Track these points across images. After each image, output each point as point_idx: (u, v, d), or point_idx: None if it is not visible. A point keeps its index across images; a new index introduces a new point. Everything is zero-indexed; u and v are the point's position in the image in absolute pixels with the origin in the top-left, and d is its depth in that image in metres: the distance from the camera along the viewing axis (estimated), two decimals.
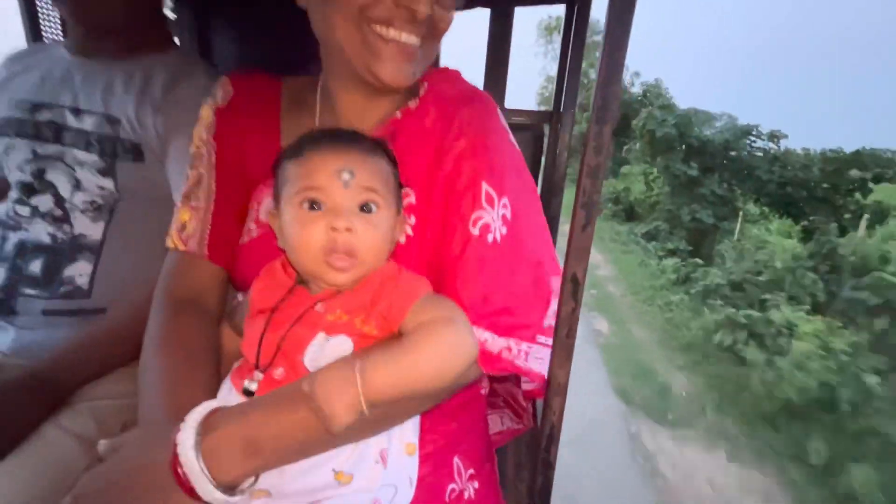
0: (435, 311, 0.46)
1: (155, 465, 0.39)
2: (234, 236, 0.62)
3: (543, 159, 1.05)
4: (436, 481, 0.56)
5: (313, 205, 0.47)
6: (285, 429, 0.41)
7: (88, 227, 0.76)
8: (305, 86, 0.64)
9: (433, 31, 0.54)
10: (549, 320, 0.54)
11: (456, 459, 0.60)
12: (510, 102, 1.14)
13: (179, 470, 0.37)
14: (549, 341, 0.53)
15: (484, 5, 1.04)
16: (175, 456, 0.38)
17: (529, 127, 1.03)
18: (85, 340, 0.71)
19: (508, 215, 0.54)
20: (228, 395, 0.49)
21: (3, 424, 0.62)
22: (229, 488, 0.39)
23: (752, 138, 8.52)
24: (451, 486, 0.57)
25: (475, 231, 0.52)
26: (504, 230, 0.53)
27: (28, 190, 0.76)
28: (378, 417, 0.45)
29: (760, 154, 8.54)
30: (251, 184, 0.63)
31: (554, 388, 0.59)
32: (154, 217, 0.77)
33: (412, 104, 0.59)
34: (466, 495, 0.59)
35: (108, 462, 0.43)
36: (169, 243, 0.62)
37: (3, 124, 0.79)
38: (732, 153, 8.48)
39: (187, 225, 0.61)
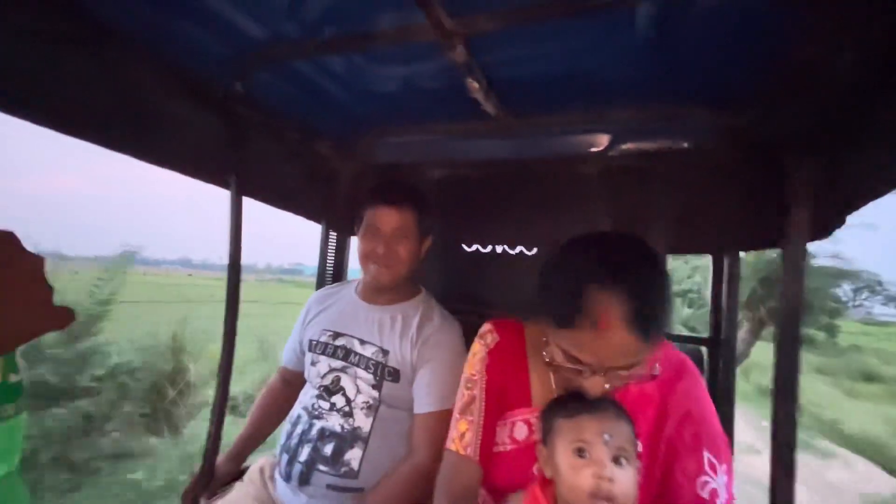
0: None
1: None
2: (492, 446, 0.84)
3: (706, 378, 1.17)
4: None
5: (581, 453, 0.65)
6: None
7: (363, 421, 1.07)
8: (541, 333, 0.84)
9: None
10: None
11: None
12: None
13: None
14: None
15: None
16: None
17: (688, 350, 1.20)
18: None
19: (727, 482, 0.68)
20: None
21: None
22: None
23: None
24: None
25: (704, 494, 0.67)
26: (726, 496, 0.67)
27: (328, 391, 1.12)
28: None
29: None
30: (507, 406, 0.86)
31: None
32: (400, 420, 1.08)
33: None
34: None
35: None
36: (451, 446, 0.84)
37: (315, 344, 1.20)
38: None
39: (465, 434, 0.84)
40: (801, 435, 0.75)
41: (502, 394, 0.86)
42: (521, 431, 0.82)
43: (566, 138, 1.32)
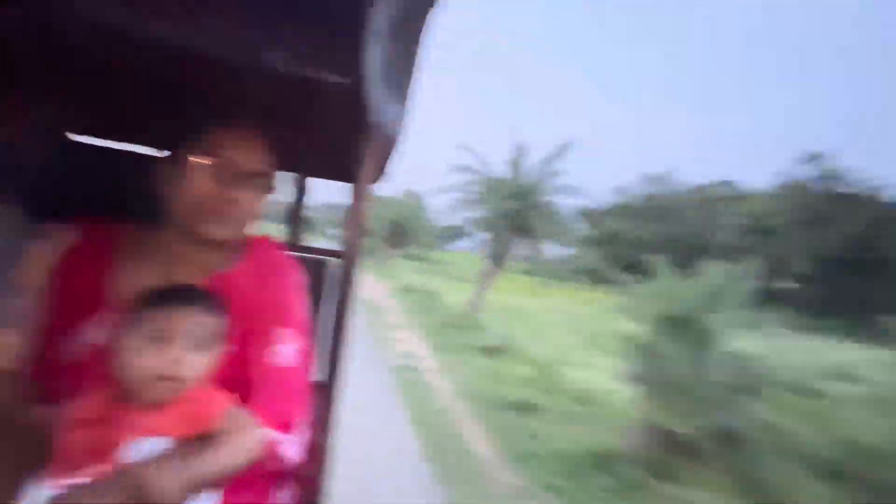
0: (234, 422, 0.70)
1: None
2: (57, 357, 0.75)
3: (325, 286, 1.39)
4: None
5: (155, 341, 0.66)
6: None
7: None
8: (144, 235, 0.83)
9: (244, 213, 0.81)
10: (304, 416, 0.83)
11: None
12: None
13: None
14: (302, 431, 0.82)
15: (289, 171, 1.41)
16: None
17: (316, 260, 1.39)
18: None
19: (297, 349, 0.83)
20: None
21: None
22: None
23: None
24: None
25: (274, 360, 0.80)
26: (293, 361, 0.82)
27: None
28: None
29: None
30: (80, 313, 0.76)
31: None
32: None
33: (235, 262, 0.85)
34: None
35: None
36: None
37: None
38: None
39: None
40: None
41: (71, 302, 0.77)
42: (97, 335, 0.76)
43: (222, 38, 1.19)
